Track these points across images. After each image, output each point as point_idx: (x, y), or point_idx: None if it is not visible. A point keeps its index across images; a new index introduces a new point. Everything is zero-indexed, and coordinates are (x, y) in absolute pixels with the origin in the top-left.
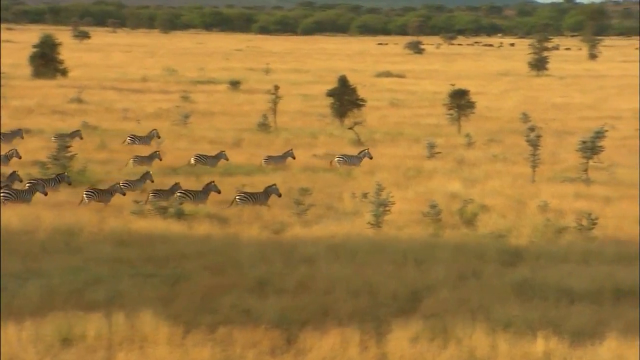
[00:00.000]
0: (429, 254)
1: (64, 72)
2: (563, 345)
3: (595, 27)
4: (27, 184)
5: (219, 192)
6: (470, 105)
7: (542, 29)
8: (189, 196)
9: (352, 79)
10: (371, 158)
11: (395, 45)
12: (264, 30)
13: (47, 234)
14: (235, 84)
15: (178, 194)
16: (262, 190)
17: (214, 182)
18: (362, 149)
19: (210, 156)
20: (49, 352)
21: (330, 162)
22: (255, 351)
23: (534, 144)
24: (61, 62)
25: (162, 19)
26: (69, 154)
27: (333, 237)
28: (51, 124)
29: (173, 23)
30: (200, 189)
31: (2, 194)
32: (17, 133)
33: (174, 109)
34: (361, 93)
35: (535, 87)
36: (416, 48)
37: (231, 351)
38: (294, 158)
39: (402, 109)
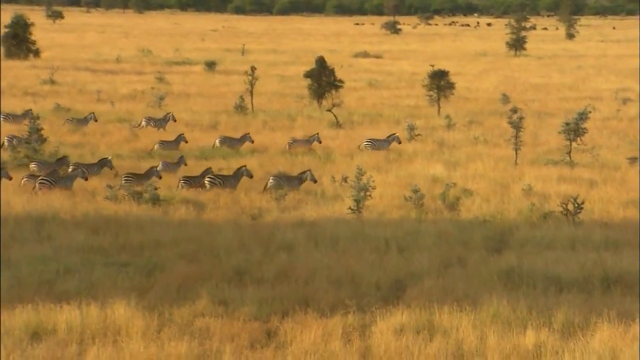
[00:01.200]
0: (412, 240)
1: (36, 53)
2: (554, 337)
3: (571, 7)
4: (71, 168)
5: (251, 176)
6: (450, 86)
7: (518, 9)
8: (218, 181)
9: (330, 60)
10: (399, 142)
11: (372, 25)
12: (240, 10)
13: (16, 221)
14: (211, 65)
15: (207, 180)
16: (295, 175)
17: (245, 166)
18: (390, 133)
19: (235, 138)
20: (18, 347)
21: (358, 147)
22: (234, 345)
23: (517, 126)
24: (34, 42)
25: None
26: (40, 137)
27: (313, 224)
28: (23, 106)
29: (148, 3)
30: (231, 173)
31: (39, 182)
32: (27, 114)
33: (148, 90)
34: (339, 74)
35: (514, 68)
36: (393, 28)
37: (208, 345)
38: (320, 142)
39: (381, 89)
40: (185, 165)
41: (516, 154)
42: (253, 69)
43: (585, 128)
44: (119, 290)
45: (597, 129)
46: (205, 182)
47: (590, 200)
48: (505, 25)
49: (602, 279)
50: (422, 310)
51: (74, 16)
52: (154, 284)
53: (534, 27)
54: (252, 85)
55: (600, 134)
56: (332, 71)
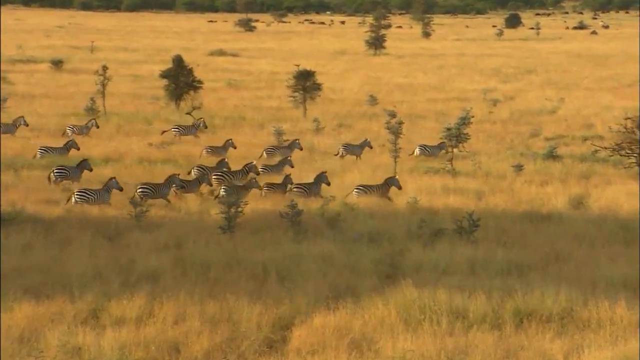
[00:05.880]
0: (293, 265)
1: None
2: None
3: (424, 5)
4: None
5: (329, 184)
6: (317, 87)
7: (370, 7)
8: (304, 190)
9: (184, 58)
10: (371, 148)
11: (225, 22)
12: (86, 6)
13: None
14: (57, 63)
15: (294, 189)
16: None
17: (325, 172)
18: (441, 141)
19: (284, 147)
20: None
21: (412, 152)
22: None
23: (395, 131)
24: None
25: None
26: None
27: (179, 246)
28: None
29: None
30: (312, 180)
31: (139, 190)
32: (20, 121)
33: None
34: (195, 73)
35: (376, 67)
36: (247, 26)
37: None
38: (370, 147)
39: (241, 90)
40: (292, 167)
41: (395, 162)
42: (104, 68)
43: (467, 133)
44: None
45: (472, 132)
46: (290, 190)
47: (482, 215)
48: (359, 23)
49: (513, 312)
50: (314, 356)
51: None
52: None
53: (389, 26)
54: (103, 85)
55: (477, 138)
56: (190, 71)
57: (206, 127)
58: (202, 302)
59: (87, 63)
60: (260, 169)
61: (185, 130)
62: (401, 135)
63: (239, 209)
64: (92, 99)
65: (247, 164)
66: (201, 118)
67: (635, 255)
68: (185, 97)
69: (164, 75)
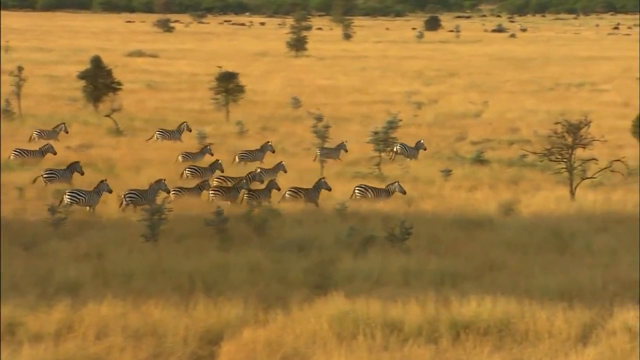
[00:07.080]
0: (219, 275)
1: None
2: None
3: (344, 7)
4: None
5: (330, 189)
6: (240, 89)
7: (290, 9)
8: (300, 195)
9: (102, 59)
10: (425, 149)
11: (143, 23)
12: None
13: None
14: None
15: (288, 193)
16: (312, 187)
17: (324, 179)
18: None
19: (256, 150)
20: None
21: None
22: None
23: (322, 135)
24: None
25: None
26: None
27: (100, 255)
28: None
29: None
30: (311, 186)
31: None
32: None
33: None
34: (114, 74)
35: (297, 69)
36: (166, 26)
37: None
38: (346, 151)
39: (161, 92)
40: (285, 172)
41: (322, 166)
42: (20, 68)
43: (395, 137)
44: None
45: (398, 136)
46: (287, 194)
47: (412, 221)
48: (279, 24)
49: (449, 324)
50: None
51: None
52: None
53: (310, 27)
54: (18, 86)
55: (404, 141)
56: (109, 72)
57: (190, 131)
58: (125, 315)
59: (2, 63)
60: (259, 171)
61: (169, 134)
62: (327, 139)
63: (162, 216)
64: (6, 100)
65: (251, 172)
66: (184, 122)
67: (569, 264)
68: (104, 99)
69: (82, 76)
